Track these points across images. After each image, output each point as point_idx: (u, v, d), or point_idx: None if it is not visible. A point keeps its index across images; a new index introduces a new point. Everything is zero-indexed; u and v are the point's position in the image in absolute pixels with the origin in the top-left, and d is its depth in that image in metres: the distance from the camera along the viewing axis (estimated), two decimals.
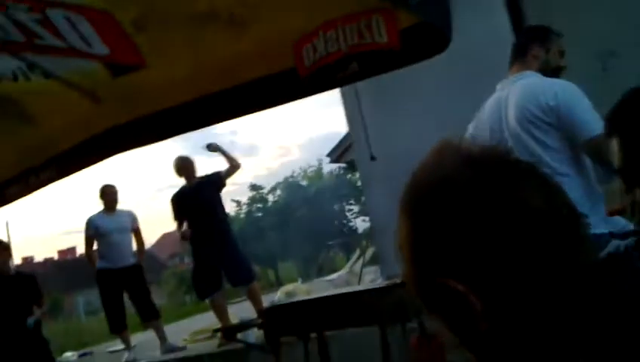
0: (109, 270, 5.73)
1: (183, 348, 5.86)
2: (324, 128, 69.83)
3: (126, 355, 5.85)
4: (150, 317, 5.95)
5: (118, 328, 5.90)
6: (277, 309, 3.28)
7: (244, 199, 21.06)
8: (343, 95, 4.67)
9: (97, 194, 5.95)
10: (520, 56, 2.75)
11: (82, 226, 5.90)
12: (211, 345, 5.64)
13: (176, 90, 2.66)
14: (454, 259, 0.62)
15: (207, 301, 5.58)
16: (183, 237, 5.65)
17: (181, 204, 5.60)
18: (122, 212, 6.06)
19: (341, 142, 13.81)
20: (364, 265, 6.42)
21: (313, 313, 3.11)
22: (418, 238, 0.68)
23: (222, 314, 5.51)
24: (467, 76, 4.02)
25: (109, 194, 5.96)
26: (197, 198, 5.46)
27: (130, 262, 5.88)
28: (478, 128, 2.80)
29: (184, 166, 5.60)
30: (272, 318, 3.20)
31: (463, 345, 0.67)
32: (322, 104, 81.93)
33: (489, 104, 2.79)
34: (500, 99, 2.72)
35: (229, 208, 19.26)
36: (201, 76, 2.57)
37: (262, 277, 16.54)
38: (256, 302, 5.47)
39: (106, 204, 5.94)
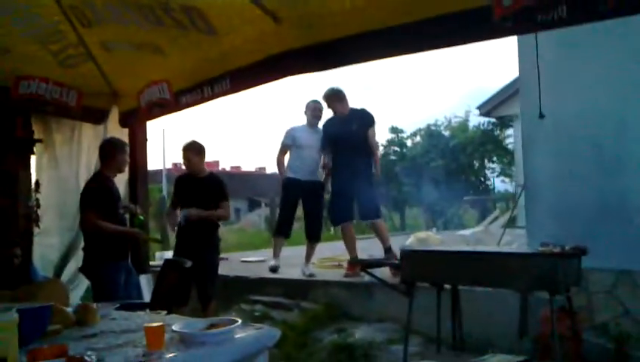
0: (296, 180, 5.96)
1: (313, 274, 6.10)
2: (476, 81, 66.29)
3: (273, 261, 6.22)
4: (313, 238, 6.08)
5: (282, 233, 6.16)
6: (417, 253, 3.25)
7: (382, 141, 20.96)
8: (521, 44, 4.32)
9: (303, 108, 6.11)
10: None
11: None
12: (336, 274, 5.85)
13: (355, 18, 2.61)
14: None
15: (333, 230, 5.61)
16: (324, 167, 5.84)
17: (328, 131, 5.72)
18: (319, 130, 6.10)
19: (495, 95, 13.08)
20: (505, 227, 6.15)
21: (455, 265, 3.04)
22: None
23: (351, 243, 5.66)
24: None
25: (313, 110, 6.07)
26: (345, 126, 5.52)
27: (315, 178, 6.04)
28: None
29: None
30: (411, 261, 3.18)
31: None
32: (476, 55, 77.62)
33: None
34: None
35: None
36: (384, 5, 2.50)
37: (387, 219, 16.58)
38: (383, 238, 5.55)
39: (309, 119, 6.07)
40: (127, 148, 4.32)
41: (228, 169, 34.53)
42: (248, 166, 50.54)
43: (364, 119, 5.61)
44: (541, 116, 3.97)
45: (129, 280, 4.23)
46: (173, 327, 1.82)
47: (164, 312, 2.49)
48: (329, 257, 7.02)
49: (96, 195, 3.99)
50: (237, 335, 1.81)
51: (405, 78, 70.16)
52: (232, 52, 3.25)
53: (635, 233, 3.74)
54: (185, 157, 4.60)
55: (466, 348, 3.52)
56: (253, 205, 27.60)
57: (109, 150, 4.19)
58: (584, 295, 3.81)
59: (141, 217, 4.42)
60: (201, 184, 4.58)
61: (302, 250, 6.25)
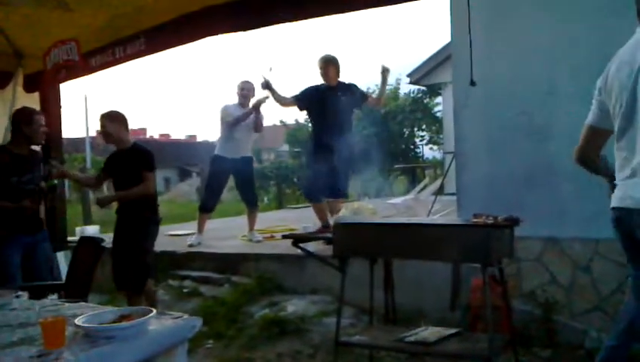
0: (225, 159, 6.09)
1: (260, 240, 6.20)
2: (407, 50, 66.76)
3: (193, 238, 6.12)
4: (251, 204, 6.36)
5: (208, 209, 6.31)
6: (349, 227, 3.12)
7: None
8: (453, 10, 4.23)
9: (235, 88, 6.19)
10: None
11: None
12: (268, 246, 5.75)
13: None
14: None
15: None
16: (264, 86, 5.55)
17: (308, 96, 5.41)
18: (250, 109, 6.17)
19: (424, 63, 13.17)
20: (435, 194, 6.19)
21: (388, 237, 2.95)
22: None
23: (320, 213, 5.49)
24: (608, 10, 3.51)
25: (241, 90, 6.15)
26: (331, 98, 5.26)
27: (245, 154, 6.21)
28: (608, 78, 2.32)
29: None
30: (344, 235, 3.06)
31: None
32: (407, 26, 78.25)
33: (626, 47, 2.31)
34: (638, 42, 2.24)
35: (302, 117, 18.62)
36: None
37: None
38: (333, 213, 5.44)
39: (239, 99, 6.17)
40: (38, 118, 3.89)
41: (156, 137, 33.30)
42: (178, 134, 49.08)
43: (354, 94, 5.43)
44: (472, 83, 3.91)
45: (36, 258, 3.90)
46: (76, 321, 1.60)
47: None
48: (261, 229, 6.84)
49: None
50: (151, 327, 1.61)
51: (338, 45, 69.81)
52: (147, 8, 2.94)
53: (561, 201, 3.80)
54: (101, 126, 4.21)
55: (398, 319, 3.47)
56: (184, 175, 26.83)
57: (14, 122, 3.83)
58: (513, 263, 3.86)
59: (54, 182, 4.23)
60: (123, 157, 4.12)
61: (230, 221, 6.15)
